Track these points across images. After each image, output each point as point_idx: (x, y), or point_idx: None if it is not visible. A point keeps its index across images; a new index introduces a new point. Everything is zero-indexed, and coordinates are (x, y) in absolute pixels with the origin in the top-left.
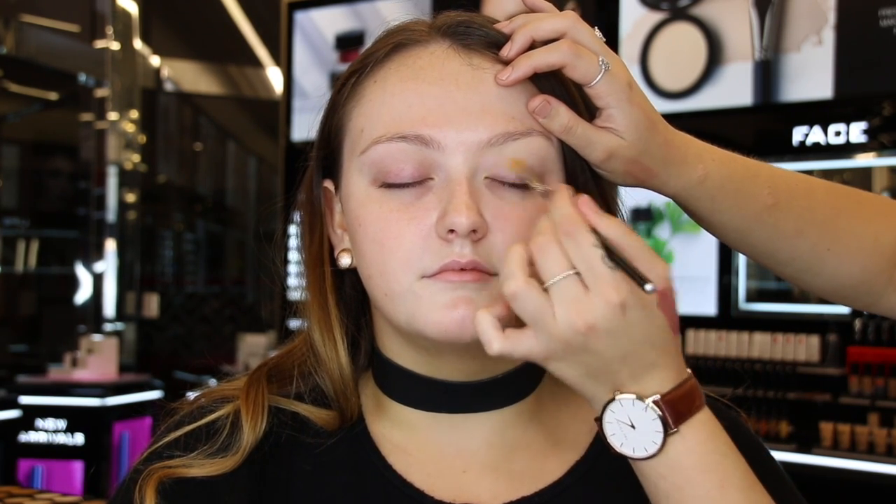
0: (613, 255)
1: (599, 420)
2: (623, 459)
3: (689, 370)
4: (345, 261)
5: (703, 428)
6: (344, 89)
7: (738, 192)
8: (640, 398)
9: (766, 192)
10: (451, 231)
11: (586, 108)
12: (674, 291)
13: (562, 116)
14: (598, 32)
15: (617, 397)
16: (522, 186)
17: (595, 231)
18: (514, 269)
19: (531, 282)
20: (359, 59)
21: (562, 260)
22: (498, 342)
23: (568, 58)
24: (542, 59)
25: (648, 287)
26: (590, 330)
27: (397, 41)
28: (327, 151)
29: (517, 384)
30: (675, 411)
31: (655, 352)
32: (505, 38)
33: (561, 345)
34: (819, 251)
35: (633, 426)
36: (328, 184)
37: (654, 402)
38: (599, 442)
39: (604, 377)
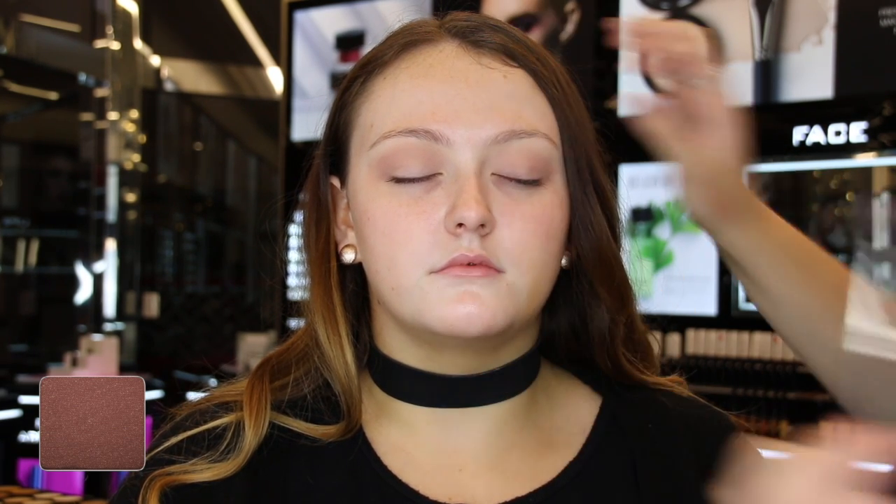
0: None
1: None
2: (616, 460)
3: None
4: (348, 256)
5: None
6: (353, 86)
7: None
8: None
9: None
10: (460, 225)
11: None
12: None
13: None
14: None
15: None
16: (528, 182)
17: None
18: None
19: None
20: (367, 57)
21: None
22: None
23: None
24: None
25: None
26: None
27: (407, 40)
28: (334, 148)
29: (514, 378)
30: None
31: None
32: (512, 38)
33: None
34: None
35: None
36: (333, 180)
37: None
38: (593, 443)
39: None
